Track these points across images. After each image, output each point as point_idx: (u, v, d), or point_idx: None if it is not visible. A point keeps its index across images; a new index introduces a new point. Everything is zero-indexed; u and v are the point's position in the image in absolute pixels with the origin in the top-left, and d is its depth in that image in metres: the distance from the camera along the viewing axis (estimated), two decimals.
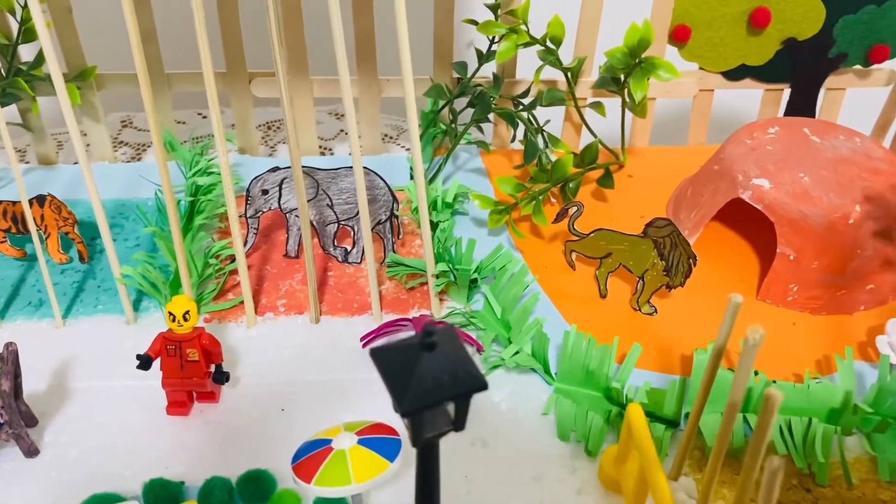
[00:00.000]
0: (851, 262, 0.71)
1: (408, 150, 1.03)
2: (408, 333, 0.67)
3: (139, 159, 0.98)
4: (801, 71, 0.88)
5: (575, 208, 0.73)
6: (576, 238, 0.74)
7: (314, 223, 0.75)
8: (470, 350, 0.67)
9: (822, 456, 0.58)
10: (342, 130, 1.06)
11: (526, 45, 0.78)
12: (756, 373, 0.63)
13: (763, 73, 0.88)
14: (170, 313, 0.59)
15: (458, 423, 0.40)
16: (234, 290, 0.73)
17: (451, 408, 0.40)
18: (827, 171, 0.73)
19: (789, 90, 0.90)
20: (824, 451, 0.58)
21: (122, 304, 0.69)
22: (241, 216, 0.76)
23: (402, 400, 0.37)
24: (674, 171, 0.89)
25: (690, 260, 0.67)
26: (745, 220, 0.79)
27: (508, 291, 0.69)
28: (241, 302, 0.71)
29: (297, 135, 0.63)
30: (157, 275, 0.70)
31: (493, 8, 0.79)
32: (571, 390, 0.64)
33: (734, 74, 0.89)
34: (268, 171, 0.73)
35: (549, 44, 0.79)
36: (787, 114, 0.91)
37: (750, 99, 0.94)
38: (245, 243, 0.76)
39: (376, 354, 0.39)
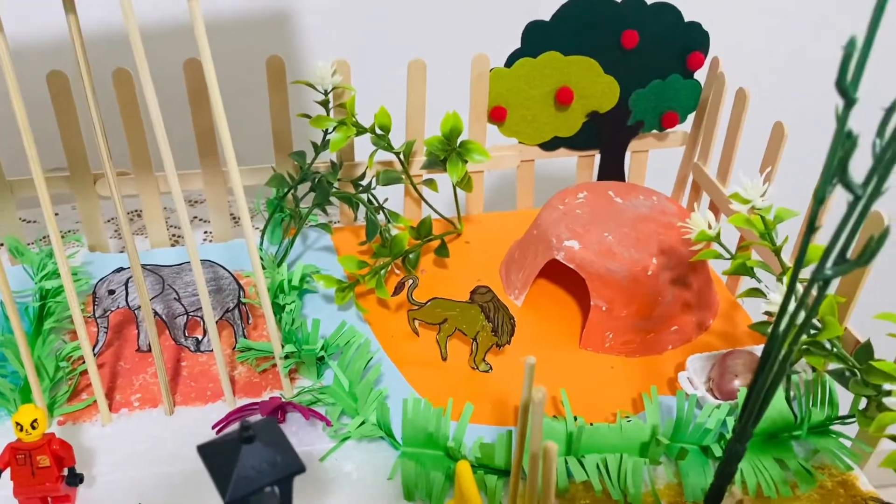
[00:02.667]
0: (656, 308, 0.81)
1: (258, 228, 1.08)
2: (256, 417, 0.71)
3: None
4: (606, 139, 0.99)
5: (411, 281, 0.80)
6: (416, 307, 0.80)
7: (163, 317, 0.78)
8: (319, 425, 0.72)
9: (634, 486, 0.66)
10: (195, 217, 1.09)
11: (357, 134, 0.85)
12: (576, 418, 0.70)
13: (574, 143, 0.99)
14: (17, 423, 0.61)
15: None
16: (88, 389, 0.75)
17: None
18: (628, 229, 0.83)
19: (599, 155, 1.01)
20: (635, 482, 0.66)
21: None
22: (89, 316, 0.78)
23: (225, 490, 0.41)
24: (506, 234, 0.98)
25: (511, 321, 0.75)
26: (566, 276, 0.88)
27: (354, 365, 0.75)
28: (95, 401, 0.72)
29: (132, 238, 0.67)
30: (4, 383, 0.71)
31: (324, 104, 0.85)
32: (416, 452, 0.69)
33: (549, 145, 0.99)
34: (113, 271, 0.76)
35: (378, 131, 0.86)
36: (599, 176, 1.02)
37: (569, 163, 1.04)
38: (96, 343, 0.78)
39: (203, 451, 0.44)
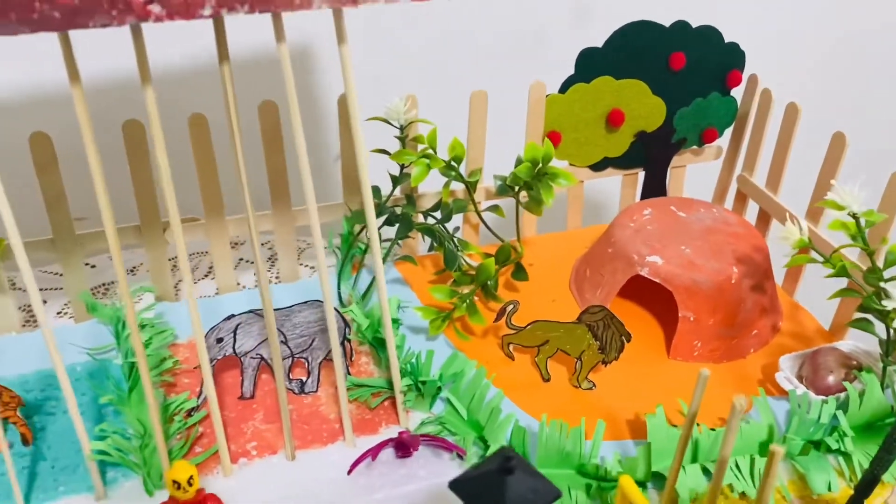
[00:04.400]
0: (738, 315, 0.84)
1: (313, 268, 1.07)
2: (388, 452, 0.71)
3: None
4: (651, 156, 1.03)
5: (511, 306, 0.81)
6: (513, 332, 0.82)
7: (267, 360, 0.77)
8: (445, 455, 0.72)
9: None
10: (241, 259, 1.08)
11: (438, 166, 0.87)
12: (698, 424, 0.73)
13: (622, 162, 1.03)
14: (174, 482, 0.59)
15: None
16: (200, 442, 0.73)
17: None
18: (701, 241, 0.87)
19: (643, 173, 1.05)
20: None
21: (92, 480, 0.67)
22: (194, 367, 0.77)
23: None
24: (564, 254, 1.01)
25: (623, 337, 0.78)
26: (637, 291, 0.91)
27: (471, 393, 0.75)
28: (215, 452, 0.71)
29: (267, 283, 0.66)
30: (124, 443, 0.69)
31: (402, 139, 0.87)
32: (548, 473, 0.70)
33: (598, 166, 1.02)
34: (223, 319, 0.75)
35: (452, 163, 0.88)
36: (643, 193, 1.06)
37: (610, 182, 1.08)
38: (199, 393, 0.76)
39: (458, 488, 0.44)
